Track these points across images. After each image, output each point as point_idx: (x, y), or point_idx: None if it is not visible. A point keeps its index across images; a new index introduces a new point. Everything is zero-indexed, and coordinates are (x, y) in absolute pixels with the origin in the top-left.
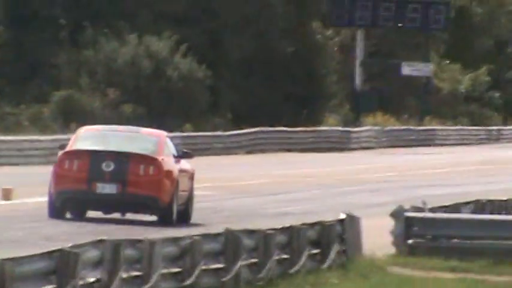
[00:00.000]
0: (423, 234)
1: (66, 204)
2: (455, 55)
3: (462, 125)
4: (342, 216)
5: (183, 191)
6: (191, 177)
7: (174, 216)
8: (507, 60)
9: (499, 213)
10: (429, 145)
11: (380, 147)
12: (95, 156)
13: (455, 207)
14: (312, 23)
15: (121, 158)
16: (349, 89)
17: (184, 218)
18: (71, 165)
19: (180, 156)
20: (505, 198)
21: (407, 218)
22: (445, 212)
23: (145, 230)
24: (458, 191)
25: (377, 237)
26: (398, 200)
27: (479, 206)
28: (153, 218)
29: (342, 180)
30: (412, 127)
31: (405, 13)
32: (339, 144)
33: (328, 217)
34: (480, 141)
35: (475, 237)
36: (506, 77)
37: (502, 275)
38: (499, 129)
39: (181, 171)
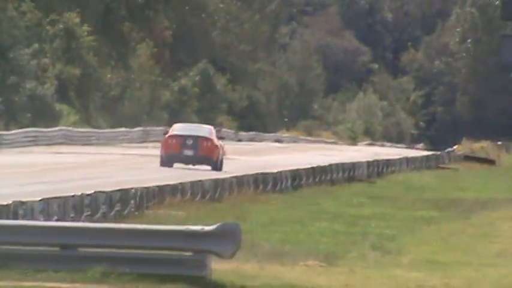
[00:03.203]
0: None
1: (169, 159)
2: None
3: None
4: None
5: (220, 155)
6: (223, 148)
7: (218, 167)
8: (9, 65)
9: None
10: None
11: None
12: (183, 137)
13: None
14: None
15: (195, 138)
16: None
17: (220, 168)
18: (172, 141)
19: (219, 137)
20: (6, 203)
21: None
22: None
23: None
24: None
25: None
26: None
27: None
28: (208, 168)
29: None
30: None
31: None
32: None
33: None
34: None
35: None
36: (9, 82)
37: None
38: (1, 134)
39: (220, 145)
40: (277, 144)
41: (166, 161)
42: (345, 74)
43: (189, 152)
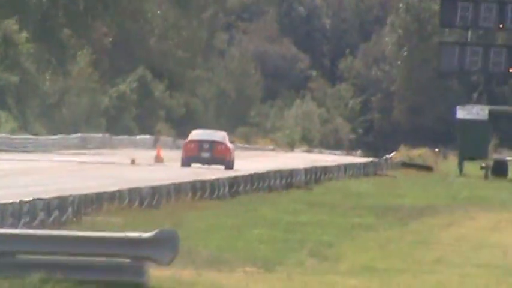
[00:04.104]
0: None
1: (189, 160)
2: None
3: None
4: None
5: (232, 156)
6: (234, 150)
7: (231, 165)
8: None
9: None
10: None
11: None
12: (200, 142)
13: None
14: None
15: (211, 142)
16: None
17: (232, 166)
18: (191, 146)
19: (230, 142)
20: None
21: None
22: None
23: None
24: None
25: None
26: None
27: None
28: (222, 167)
29: None
30: None
31: None
32: None
33: None
34: None
35: None
36: None
37: None
38: None
39: (232, 148)
40: None
41: (186, 162)
42: (282, 81)
43: (206, 154)
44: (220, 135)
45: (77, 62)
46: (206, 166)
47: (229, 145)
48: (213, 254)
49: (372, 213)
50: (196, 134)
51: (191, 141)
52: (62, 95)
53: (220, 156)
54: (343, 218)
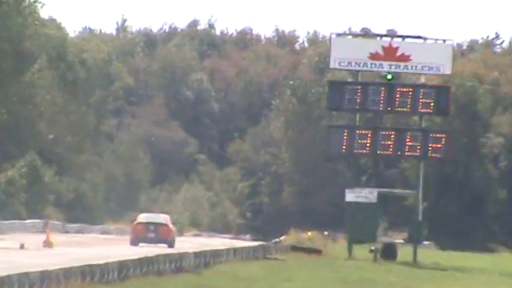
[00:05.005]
0: None
1: (136, 240)
2: None
3: None
4: None
5: (174, 236)
6: (175, 231)
7: (173, 245)
8: None
9: None
10: None
11: None
12: (147, 224)
13: None
14: None
15: (155, 224)
16: None
17: (173, 245)
18: (139, 227)
19: (172, 223)
20: None
21: None
22: None
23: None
24: None
25: None
26: None
27: None
28: (165, 246)
29: None
30: None
31: None
32: None
33: None
34: None
35: None
36: None
37: None
38: None
39: (174, 229)
40: (104, 235)
41: (134, 242)
42: (171, 165)
43: (151, 235)
44: (163, 218)
45: None
46: (152, 245)
47: (171, 226)
48: None
49: None
50: (143, 217)
51: (139, 223)
52: None
53: (163, 236)
54: None
